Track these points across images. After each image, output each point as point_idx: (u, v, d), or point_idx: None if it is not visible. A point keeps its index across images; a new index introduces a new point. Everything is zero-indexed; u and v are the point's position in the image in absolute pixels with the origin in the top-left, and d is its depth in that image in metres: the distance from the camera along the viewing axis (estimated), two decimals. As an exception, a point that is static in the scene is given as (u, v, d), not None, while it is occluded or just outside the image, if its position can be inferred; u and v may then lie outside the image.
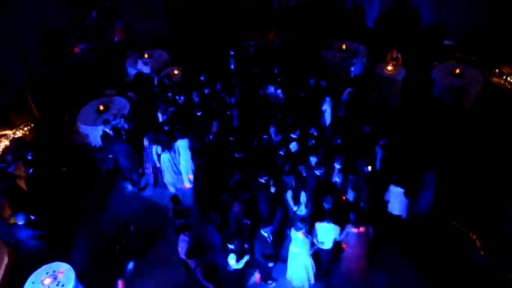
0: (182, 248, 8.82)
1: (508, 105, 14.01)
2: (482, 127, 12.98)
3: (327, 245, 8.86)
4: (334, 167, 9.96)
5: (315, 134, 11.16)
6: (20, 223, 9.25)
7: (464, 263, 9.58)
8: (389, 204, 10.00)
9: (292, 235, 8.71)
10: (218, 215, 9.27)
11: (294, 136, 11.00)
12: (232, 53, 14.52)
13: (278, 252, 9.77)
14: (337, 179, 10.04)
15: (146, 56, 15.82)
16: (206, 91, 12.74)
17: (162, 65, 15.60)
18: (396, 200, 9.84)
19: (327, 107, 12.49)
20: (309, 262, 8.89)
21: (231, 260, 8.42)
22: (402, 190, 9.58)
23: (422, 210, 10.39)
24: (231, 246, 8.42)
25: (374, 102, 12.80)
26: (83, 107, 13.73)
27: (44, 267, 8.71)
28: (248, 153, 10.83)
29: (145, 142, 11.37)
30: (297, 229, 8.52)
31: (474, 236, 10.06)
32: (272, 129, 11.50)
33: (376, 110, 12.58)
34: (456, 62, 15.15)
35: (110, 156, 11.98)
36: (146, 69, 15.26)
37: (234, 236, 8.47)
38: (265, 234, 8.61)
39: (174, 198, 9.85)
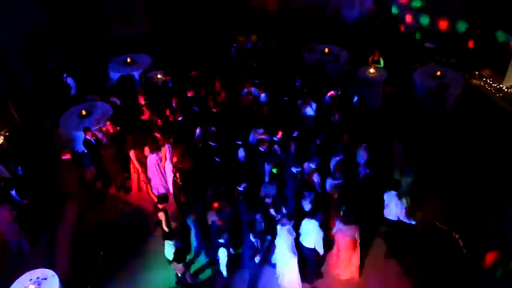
0: (169, 251, 8.83)
1: (487, 106, 14.33)
2: (462, 128, 13.23)
3: (310, 243, 8.96)
4: (310, 166, 10.13)
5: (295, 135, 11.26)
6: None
7: (447, 262, 9.73)
8: (385, 210, 9.69)
9: (278, 230, 8.86)
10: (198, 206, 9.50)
11: (275, 139, 11.09)
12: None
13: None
14: (314, 179, 10.15)
15: (129, 60, 15.75)
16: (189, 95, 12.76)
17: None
18: (392, 205, 9.48)
19: (310, 110, 12.57)
20: (293, 256, 8.96)
21: (222, 253, 8.53)
22: (395, 193, 9.42)
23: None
24: (220, 241, 8.55)
25: (356, 105, 12.93)
26: (65, 112, 13.56)
27: (27, 273, 8.57)
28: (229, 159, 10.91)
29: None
30: (283, 225, 8.66)
31: (457, 235, 10.23)
32: (251, 136, 11.54)
33: (358, 112, 12.71)
34: (436, 64, 15.46)
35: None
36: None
37: (223, 230, 8.60)
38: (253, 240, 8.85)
39: (163, 197, 9.71)
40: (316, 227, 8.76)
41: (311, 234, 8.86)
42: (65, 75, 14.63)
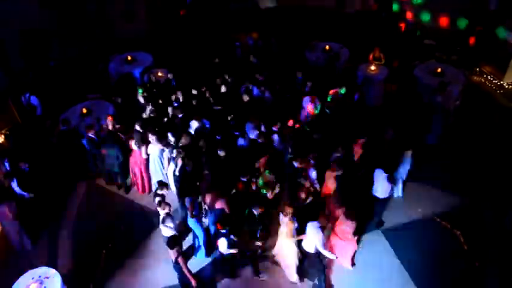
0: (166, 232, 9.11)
1: (488, 103, 14.33)
2: (462, 125, 13.24)
3: (311, 247, 8.98)
4: (309, 161, 10.21)
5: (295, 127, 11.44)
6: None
7: (448, 258, 9.74)
8: (373, 187, 10.13)
9: (280, 220, 9.06)
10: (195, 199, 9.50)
11: (275, 129, 11.19)
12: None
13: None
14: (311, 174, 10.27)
15: (129, 58, 15.72)
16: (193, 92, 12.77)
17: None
18: (379, 184, 9.98)
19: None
20: (293, 246, 9.19)
21: (222, 243, 8.64)
22: (386, 175, 9.71)
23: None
24: (222, 231, 8.63)
25: (357, 102, 12.91)
26: (66, 110, 13.53)
27: (29, 272, 8.57)
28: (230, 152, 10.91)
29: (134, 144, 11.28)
30: (285, 214, 8.86)
31: (458, 232, 10.25)
32: (248, 127, 11.56)
33: (358, 110, 12.70)
34: (436, 61, 15.44)
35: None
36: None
37: (226, 221, 8.70)
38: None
39: (161, 183, 9.86)
40: (316, 228, 8.75)
41: (312, 236, 8.86)
42: (27, 95, 13.65)
